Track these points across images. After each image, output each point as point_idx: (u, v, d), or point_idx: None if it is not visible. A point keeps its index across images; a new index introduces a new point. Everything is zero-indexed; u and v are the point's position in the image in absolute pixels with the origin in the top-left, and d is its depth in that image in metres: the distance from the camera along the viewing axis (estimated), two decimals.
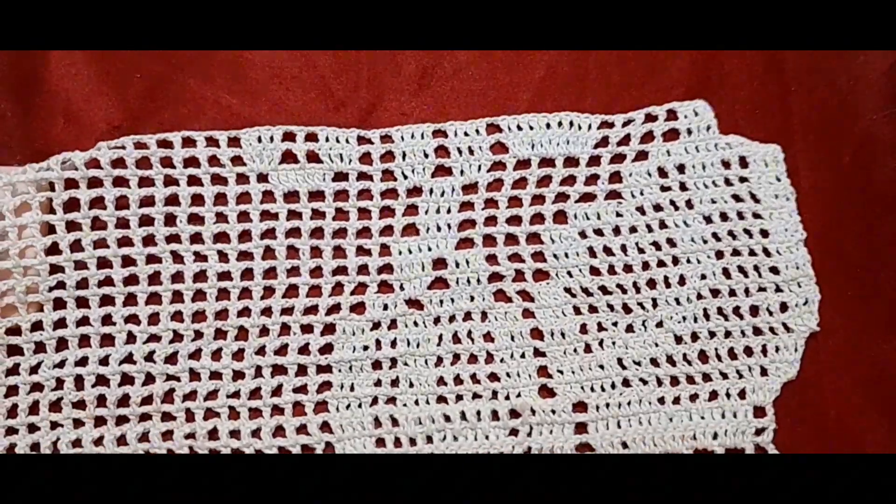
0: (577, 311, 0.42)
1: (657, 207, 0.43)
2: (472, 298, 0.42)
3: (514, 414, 0.41)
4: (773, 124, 0.45)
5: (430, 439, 0.41)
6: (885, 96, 0.45)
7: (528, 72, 0.45)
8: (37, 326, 0.40)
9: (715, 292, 0.42)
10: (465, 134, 0.43)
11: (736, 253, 0.42)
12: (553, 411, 0.41)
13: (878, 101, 0.45)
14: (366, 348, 0.41)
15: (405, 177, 0.43)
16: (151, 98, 0.44)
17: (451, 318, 0.42)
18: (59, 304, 0.41)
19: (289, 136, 0.43)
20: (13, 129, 0.43)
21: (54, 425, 0.40)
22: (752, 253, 0.42)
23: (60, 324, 0.41)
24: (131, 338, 0.41)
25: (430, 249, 0.42)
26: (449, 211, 0.43)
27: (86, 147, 0.42)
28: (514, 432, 0.41)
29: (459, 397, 0.41)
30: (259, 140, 0.42)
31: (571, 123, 0.43)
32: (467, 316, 0.42)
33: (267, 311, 0.41)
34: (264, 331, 0.41)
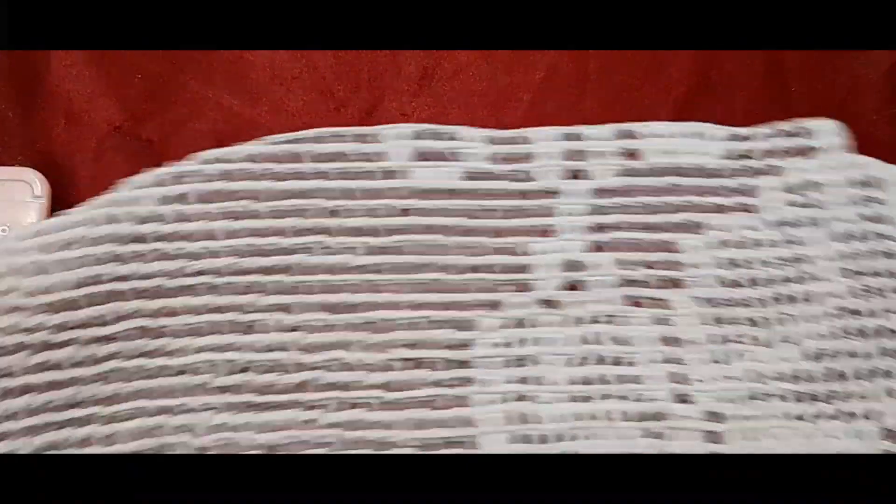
0: (709, 321, 0.42)
1: (790, 223, 0.42)
2: (606, 302, 0.41)
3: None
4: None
5: (561, 438, 0.40)
6: (885, 96, 0.45)
7: (528, 72, 0.45)
8: None
9: (846, 311, 0.41)
10: (599, 139, 0.43)
11: (870, 273, 0.41)
12: (687, 418, 0.40)
13: (878, 101, 0.45)
14: (505, 345, 0.41)
15: (538, 178, 0.43)
16: (152, 99, 0.44)
17: (584, 321, 0.41)
18: None
19: (421, 134, 0.42)
20: (14, 130, 0.43)
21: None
22: (890, 274, 0.41)
23: None
24: None
25: (563, 251, 0.42)
26: (582, 214, 0.42)
27: (87, 148, 0.42)
28: (646, 435, 0.40)
29: (589, 398, 0.41)
30: (394, 137, 0.42)
31: (704, 134, 0.43)
32: (599, 319, 0.41)
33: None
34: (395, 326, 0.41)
